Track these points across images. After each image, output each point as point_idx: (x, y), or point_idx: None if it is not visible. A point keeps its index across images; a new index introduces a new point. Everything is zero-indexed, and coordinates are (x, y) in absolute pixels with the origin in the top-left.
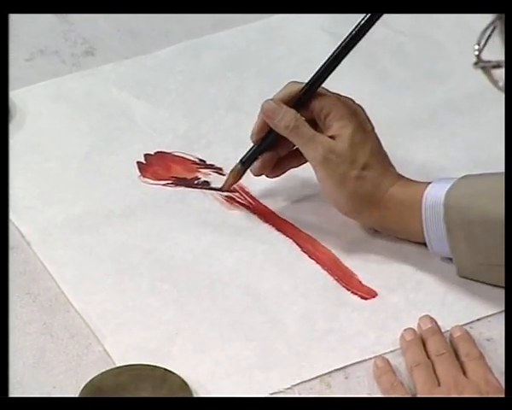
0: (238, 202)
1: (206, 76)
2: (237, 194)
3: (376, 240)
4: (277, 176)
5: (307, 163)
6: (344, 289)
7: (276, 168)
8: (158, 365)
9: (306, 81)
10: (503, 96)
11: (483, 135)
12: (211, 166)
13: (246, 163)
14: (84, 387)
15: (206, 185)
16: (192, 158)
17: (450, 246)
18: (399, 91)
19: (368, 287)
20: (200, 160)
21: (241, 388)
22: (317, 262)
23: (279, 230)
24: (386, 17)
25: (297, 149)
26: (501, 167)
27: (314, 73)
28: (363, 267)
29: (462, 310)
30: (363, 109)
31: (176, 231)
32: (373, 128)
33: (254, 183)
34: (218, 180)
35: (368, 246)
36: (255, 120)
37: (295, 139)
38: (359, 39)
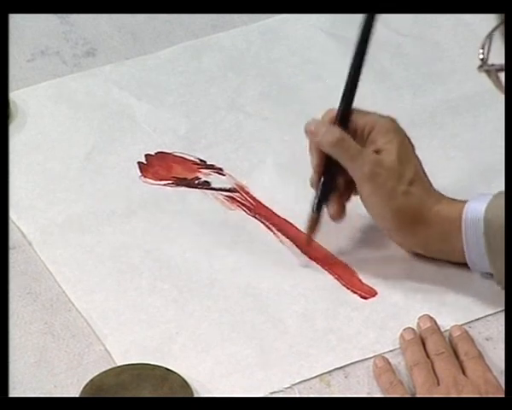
0: (238, 201)
1: (207, 77)
2: (238, 194)
3: (376, 240)
4: (344, 216)
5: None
6: (344, 288)
7: (342, 209)
8: (158, 364)
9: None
10: (502, 96)
11: (482, 135)
12: (211, 167)
13: (318, 208)
14: (85, 386)
15: (206, 185)
16: (193, 158)
17: (489, 260)
18: (399, 92)
19: (368, 286)
20: (201, 160)
21: (242, 387)
22: (317, 262)
23: (279, 230)
24: (385, 18)
25: (350, 181)
26: (500, 168)
27: (343, 90)
28: (363, 267)
29: (461, 309)
30: (403, 130)
31: (176, 231)
32: (413, 147)
33: (254, 183)
34: (218, 180)
35: (368, 245)
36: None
37: (341, 154)
38: (368, 41)
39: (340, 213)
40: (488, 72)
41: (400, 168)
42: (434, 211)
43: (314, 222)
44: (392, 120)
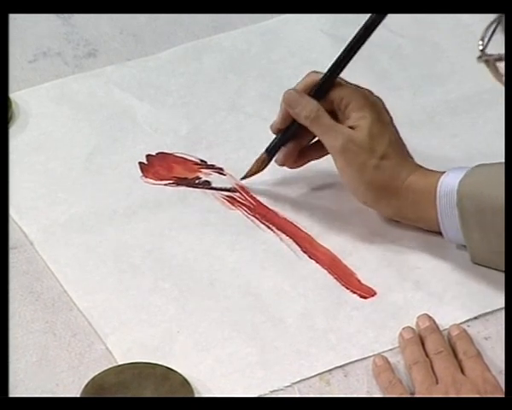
0: (239, 201)
1: (208, 78)
2: (238, 194)
3: (376, 240)
4: (298, 166)
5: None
6: (343, 288)
7: (298, 159)
8: (159, 363)
9: (325, 71)
10: (501, 96)
11: (481, 135)
12: (212, 167)
13: (271, 152)
14: (87, 385)
15: (207, 185)
16: (193, 159)
17: (463, 234)
18: (398, 93)
19: (367, 286)
20: (202, 160)
21: (242, 386)
22: (317, 262)
23: (279, 229)
24: (385, 19)
25: (318, 140)
26: None
27: (332, 62)
28: (363, 267)
29: (460, 309)
30: (381, 101)
31: (177, 231)
32: (391, 119)
33: (255, 183)
34: (218, 180)
35: (367, 245)
36: (277, 111)
37: (315, 129)
38: (375, 28)
39: (286, 161)
40: (487, 61)
41: (372, 143)
42: (406, 183)
43: (261, 163)
44: (367, 95)
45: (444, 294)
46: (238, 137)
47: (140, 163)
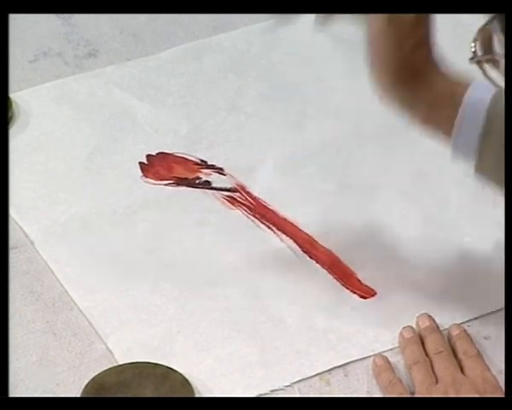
0: (239, 201)
1: (208, 78)
2: (238, 194)
3: (376, 240)
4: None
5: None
6: (343, 288)
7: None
8: (160, 362)
9: None
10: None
11: None
12: (212, 167)
13: None
14: (87, 384)
15: (207, 185)
16: (193, 159)
17: (480, 143)
18: None
19: (367, 286)
20: (202, 160)
21: (242, 385)
22: (317, 262)
23: (279, 229)
24: None
25: None
26: None
27: None
28: (363, 267)
29: (460, 309)
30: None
31: (177, 231)
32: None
33: (255, 183)
34: (219, 180)
35: (367, 246)
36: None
37: None
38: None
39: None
40: (479, 63)
41: (416, 23)
42: (433, 76)
43: None
44: None
45: (444, 294)
46: (238, 137)
47: (140, 163)
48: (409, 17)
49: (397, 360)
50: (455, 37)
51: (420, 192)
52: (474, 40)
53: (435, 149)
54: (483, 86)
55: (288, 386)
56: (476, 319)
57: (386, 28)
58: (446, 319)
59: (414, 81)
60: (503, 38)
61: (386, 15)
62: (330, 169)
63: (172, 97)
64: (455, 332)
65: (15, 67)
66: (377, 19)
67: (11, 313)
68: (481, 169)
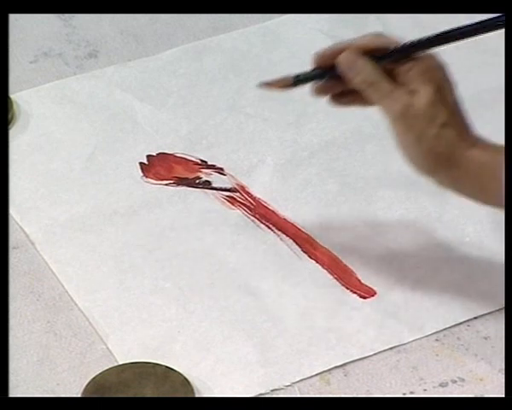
0: (239, 201)
1: (208, 78)
2: (238, 194)
3: (376, 239)
4: (339, 105)
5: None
6: (343, 287)
7: (339, 98)
8: (160, 362)
9: (397, 44)
10: (500, 98)
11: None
12: (212, 167)
13: (297, 82)
14: (88, 384)
15: (207, 185)
16: (194, 159)
17: None
18: None
19: (367, 286)
20: (202, 160)
21: (242, 385)
22: (317, 261)
23: (279, 229)
24: (385, 20)
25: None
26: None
27: (416, 39)
28: (363, 266)
29: (460, 308)
30: (445, 67)
31: (178, 231)
32: (454, 86)
33: (255, 183)
34: (219, 180)
35: (367, 245)
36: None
37: (372, 94)
38: (478, 32)
39: (321, 92)
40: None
41: (433, 111)
42: (467, 155)
43: (285, 84)
44: (433, 60)
45: (444, 294)
46: (238, 138)
47: (140, 163)
48: (423, 106)
49: (397, 359)
50: None
51: (420, 192)
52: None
53: None
54: None
55: (288, 386)
56: (475, 318)
57: (402, 124)
58: (446, 318)
59: (447, 165)
60: None
61: (398, 111)
62: (330, 169)
63: (173, 98)
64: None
65: (16, 68)
66: (391, 117)
67: (11, 313)
68: None
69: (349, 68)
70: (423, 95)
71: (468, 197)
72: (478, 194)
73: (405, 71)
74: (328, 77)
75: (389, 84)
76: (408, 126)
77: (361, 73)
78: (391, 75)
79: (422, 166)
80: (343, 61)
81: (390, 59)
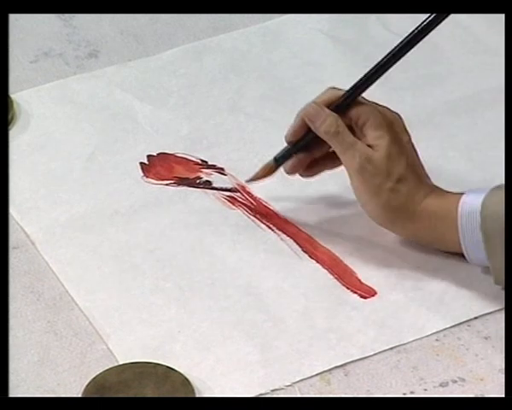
0: (239, 201)
1: (209, 78)
2: (238, 194)
3: (376, 240)
4: (310, 176)
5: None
6: (344, 287)
7: (310, 169)
8: (160, 362)
9: (347, 89)
10: (501, 96)
11: (480, 136)
12: (213, 167)
13: (279, 160)
14: (88, 384)
15: (208, 185)
16: (194, 159)
17: (487, 255)
18: (398, 93)
19: (367, 286)
20: (203, 160)
21: (242, 385)
22: (317, 261)
23: (280, 229)
24: (385, 20)
25: (332, 152)
26: (498, 168)
27: (356, 81)
28: (363, 266)
29: (460, 308)
30: (400, 118)
31: (178, 231)
32: (410, 138)
33: (255, 183)
34: (219, 180)
35: (367, 245)
36: (292, 122)
37: (334, 144)
38: (406, 51)
39: (295, 170)
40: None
41: (389, 165)
42: (423, 205)
43: (268, 170)
44: (386, 113)
45: (444, 294)
46: (239, 138)
47: (141, 163)
48: (380, 161)
49: (397, 359)
50: (454, 37)
51: None
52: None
53: (433, 148)
54: (474, 193)
55: (288, 386)
56: (476, 319)
57: (361, 177)
58: (446, 318)
59: (404, 218)
60: None
61: (358, 164)
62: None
63: (173, 98)
64: None
65: (16, 68)
66: (351, 170)
67: (12, 312)
68: (499, 279)
69: (314, 118)
70: (380, 148)
71: (429, 245)
72: (436, 243)
73: (361, 125)
74: (301, 147)
75: (350, 135)
76: (366, 180)
77: (325, 122)
78: (349, 130)
79: (380, 218)
80: (308, 111)
81: (346, 103)
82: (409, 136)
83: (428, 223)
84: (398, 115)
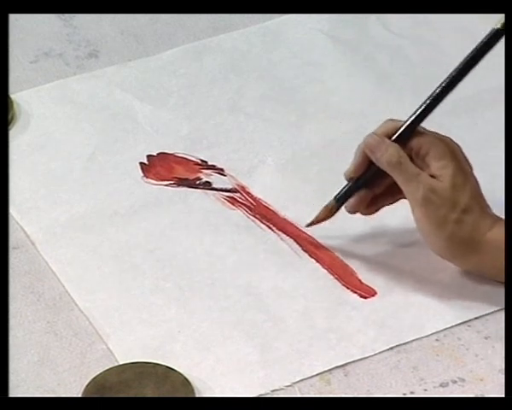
0: (239, 202)
1: (209, 78)
2: (238, 194)
3: (376, 239)
4: (372, 213)
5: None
6: (344, 287)
7: (370, 205)
8: (160, 362)
9: (405, 119)
10: (501, 96)
11: (480, 136)
12: (212, 167)
13: (340, 200)
14: (88, 384)
15: (207, 186)
16: (194, 159)
17: None
18: (398, 93)
19: (367, 286)
20: (202, 161)
21: (242, 385)
22: (317, 261)
23: (280, 229)
24: (385, 20)
25: (392, 186)
26: (498, 168)
27: (414, 111)
28: (363, 266)
29: (460, 308)
30: (460, 148)
31: (178, 231)
32: (471, 169)
33: (255, 183)
34: (219, 181)
35: (368, 245)
36: (352, 159)
37: (397, 175)
38: (461, 78)
39: (358, 208)
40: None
41: (454, 196)
42: (487, 237)
43: (330, 211)
44: (448, 143)
45: (444, 294)
46: (239, 138)
47: (141, 163)
48: (445, 191)
49: (397, 359)
50: (455, 37)
51: None
52: None
53: None
54: None
55: (288, 386)
56: (476, 319)
57: (425, 209)
58: (446, 318)
59: (469, 250)
60: None
61: (422, 195)
62: (330, 169)
63: (173, 98)
64: None
65: (16, 68)
66: (415, 202)
67: (12, 313)
68: None
69: (375, 149)
70: (444, 178)
71: (493, 278)
72: (500, 275)
73: (423, 155)
74: (362, 184)
75: (413, 166)
76: (431, 211)
77: (387, 152)
78: (411, 159)
79: (444, 251)
80: (369, 142)
81: (406, 133)
82: (470, 166)
83: (493, 255)
84: (459, 146)
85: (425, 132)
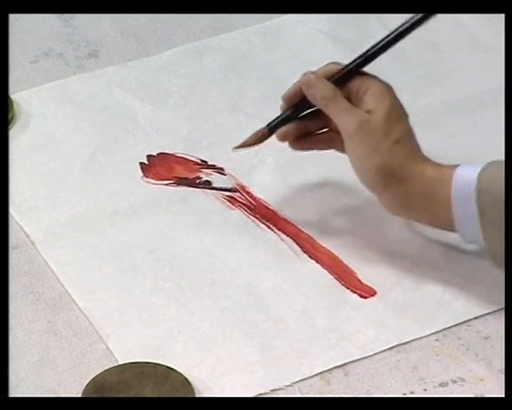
0: (239, 201)
1: (208, 78)
2: (238, 194)
3: (376, 239)
4: (299, 149)
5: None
6: (343, 287)
7: (300, 141)
8: (160, 362)
9: (347, 63)
10: (501, 97)
11: (481, 136)
12: (212, 167)
13: (273, 128)
14: (88, 384)
15: (207, 185)
16: (194, 159)
17: (482, 229)
18: (398, 93)
19: (367, 286)
20: (202, 160)
21: (242, 385)
22: (317, 261)
23: (279, 229)
24: (385, 20)
25: (326, 131)
26: None
27: (357, 55)
28: (363, 266)
29: (460, 308)
30: (398, 99)
31: (178, 231)
32: (407, 117)
33: (255, 183)
34: (219, 180)
35: (367, 245)
36: (289, 87)
37: (331, 109)
38: (410, 30)
39: (287, 137)
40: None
41: (387, 127)
42: (418, 170)
43: (260, 137)
44: (387, 85)
45: (444, 294)
46: (239, 138)
47: (141, 163)
48: (378, 122)
49: (397, 359)
50: (454, 37)
51: None
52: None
53: (433, 148)
54: (468, 166)
55: (288, 386)
56: (476, 319)
57: (357, 138)
58: (446, 318)
59: (398, 179)
60: None
61: (355, 125)
62: (330, 169)
63: (173, 98)
64: None
65: (16, 68)
66: (347, 132)
67: (12, 313)
68: (494, 254)
69: (311, 85)
70: (379, 112)
71: (417, 216)
72: (425, 211)
73: (362, 93)
74: (295, 115)
75: (347, 102)
76: (363, 140)
77: (321, 90)
78: (348, 99)
79: (373, 180)
80: (305, 79)
81: (344, 77)
82: (405, 113)
83: (422, 188)
84: (391, 86)
85: (366, 74)
